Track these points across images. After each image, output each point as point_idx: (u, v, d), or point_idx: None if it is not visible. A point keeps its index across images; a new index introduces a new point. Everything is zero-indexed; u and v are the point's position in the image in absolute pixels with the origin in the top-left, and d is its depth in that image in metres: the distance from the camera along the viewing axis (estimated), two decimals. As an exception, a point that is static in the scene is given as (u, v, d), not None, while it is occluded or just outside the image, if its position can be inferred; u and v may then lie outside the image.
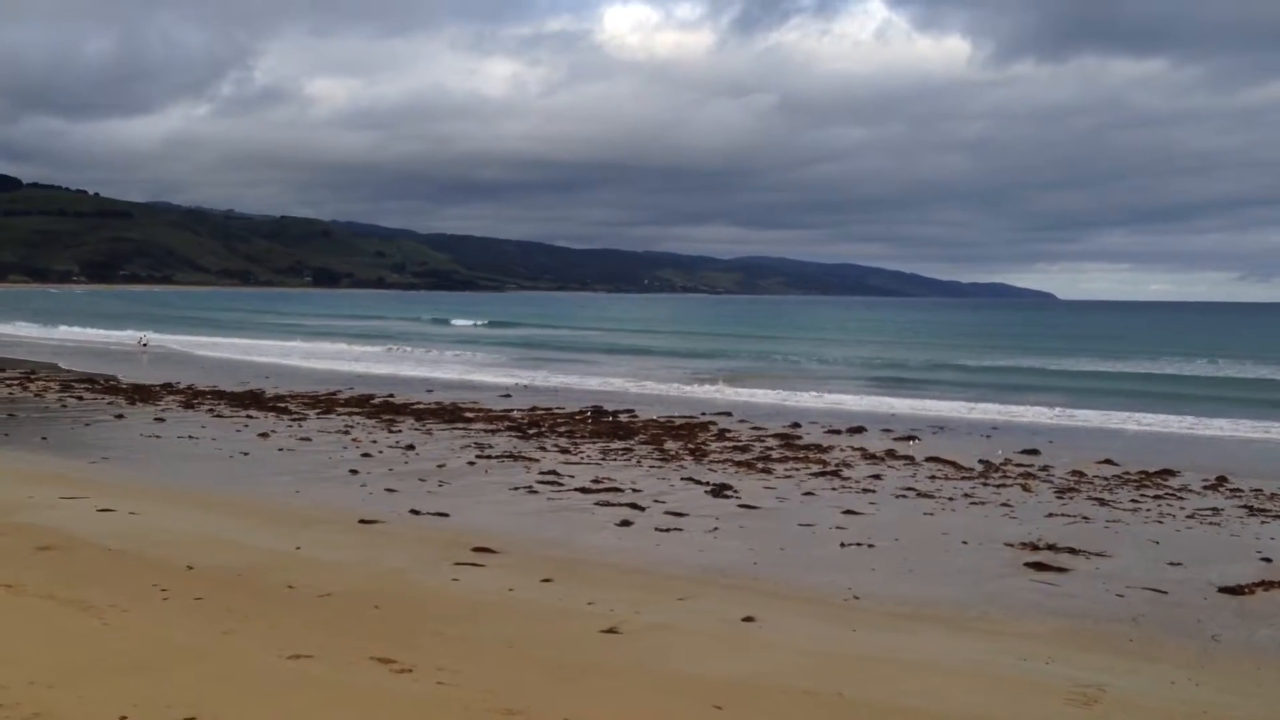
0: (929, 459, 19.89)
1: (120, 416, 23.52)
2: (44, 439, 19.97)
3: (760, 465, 19.01)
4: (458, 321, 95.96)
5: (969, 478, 18.11)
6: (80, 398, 26.83)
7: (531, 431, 22.83)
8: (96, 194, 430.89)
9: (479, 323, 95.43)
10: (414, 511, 14.23)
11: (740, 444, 21.63)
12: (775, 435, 23.01)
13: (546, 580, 10.73)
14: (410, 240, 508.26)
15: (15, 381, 30.23)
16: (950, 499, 16.16)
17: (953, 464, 19.32)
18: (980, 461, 19.65)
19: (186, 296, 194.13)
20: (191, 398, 27.52)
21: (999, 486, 17.29)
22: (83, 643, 7.83)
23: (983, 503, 15.95)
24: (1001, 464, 19.60)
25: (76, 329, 65.18)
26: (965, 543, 13.28)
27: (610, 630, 9.00)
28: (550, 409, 27.04)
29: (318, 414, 25.02)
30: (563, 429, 23.35)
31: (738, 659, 8.39)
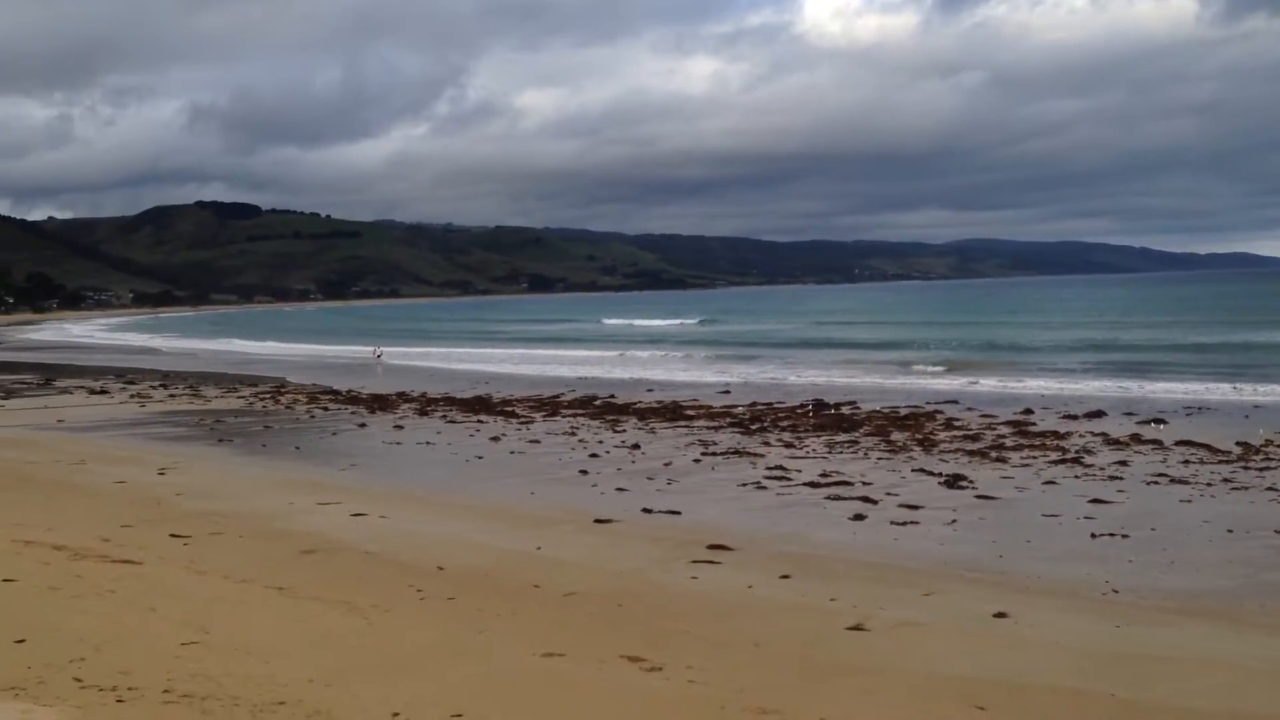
0: (1179, 443, 18.71)
1: (363, 425, 24.77)
2: (297, 448, 21.21)
3: (994, 454, 18.32)
4: (668, 321, 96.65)
5: (1227, 461, 16.91)
6: (326, 408, 28.41)
7: (754, 427, 22.75)
8: (328, 216, 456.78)
9: (691, 321, 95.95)
10: (646, 510, 14.37)
11: (970, 433, 20.93)
12: (1006, 423, 22.16)
13: (785, 577, 10.62)
14: (619, 243, 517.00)
15: (268, 395, 32.31)
16: (1208, 484, 15.13)
17: (1207, 447, 18.10)
18: (1238, 444, 18.32)
19: (412, 308, 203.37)
20: (425, 405, 28.71)
21: (1262, 470, 16.08)
22: (351, 642, 8.23)
23: (1245, 488, 14.86)
24: (1262, 445, 18.23)
25: (313, 345, 69.09)
26: (1230, 531, 12.39)
27: (856, 627, 8.82)
28: (770, 404, 26.89)
29: (544, 416, 25.67)
30: (785, 423, 23.18)
31: (995, 657, 8.06)
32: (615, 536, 12.80)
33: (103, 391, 34.48)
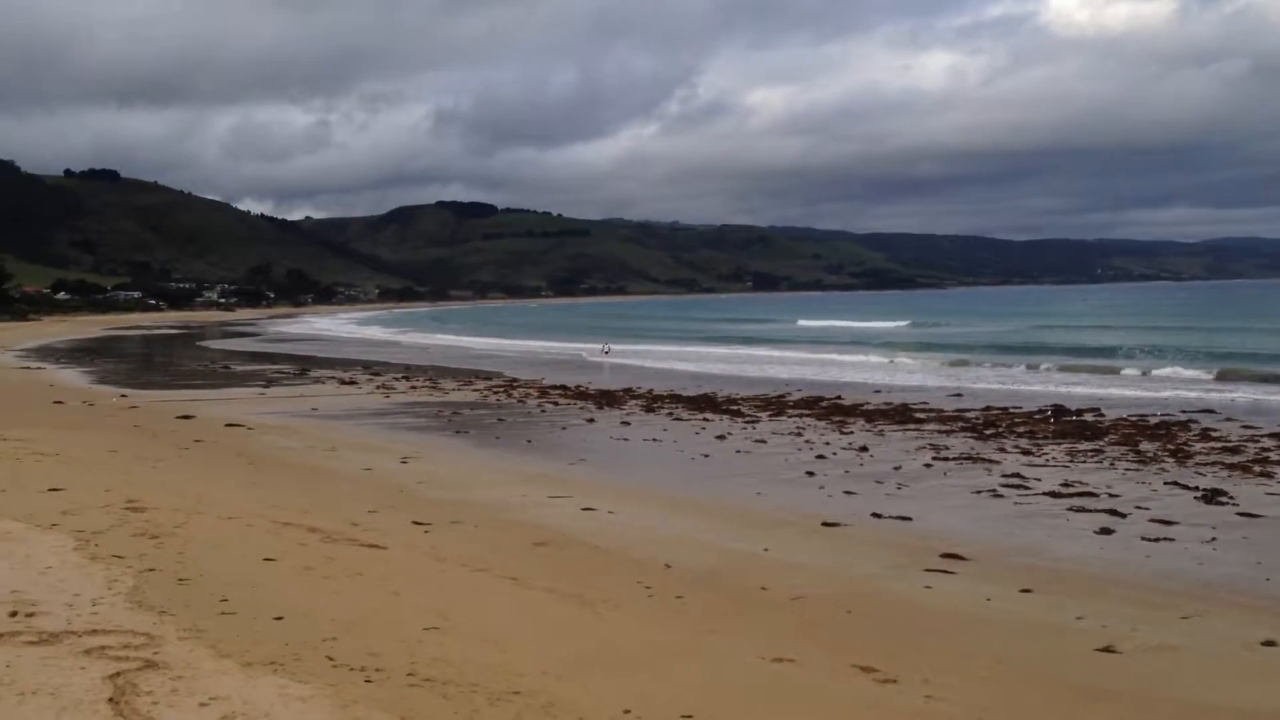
0: None
1: (591, 421, 25.26)
2: (529, 441, 21.83)
3: (1257, 468, 16.99)
4: (884, 323, 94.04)
5: None
6: (556, 403, 29.15)
7: (988, 432, 21.91)
8: (560, 214, 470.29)
9: (903, 323, 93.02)
10: (875, 515, 14.03)
11: (1230, 445, 19.48)
12: (1272, 435, 20.51)
13: (1025, 591, 10.14)
14: (845, 241, 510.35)
15: (501, 389, 33.45)
16: None
17: None
18: None
19: (637, 306, 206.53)
20: (651, 402, 29.03)
21: None
22: (583, 636, 8.34)
23: None
24: None
25: (543, 342, 71.06)
26: None
27: (1106, 649, 8.30)
28: (1005, 409, 25.85)
29: (769, 416, 25.51)
30: (1021, 429, 22.22)
31: (1263, 688, 7.43)
32: (844, 540, 12.55)
33: (351, 382, 36.50)
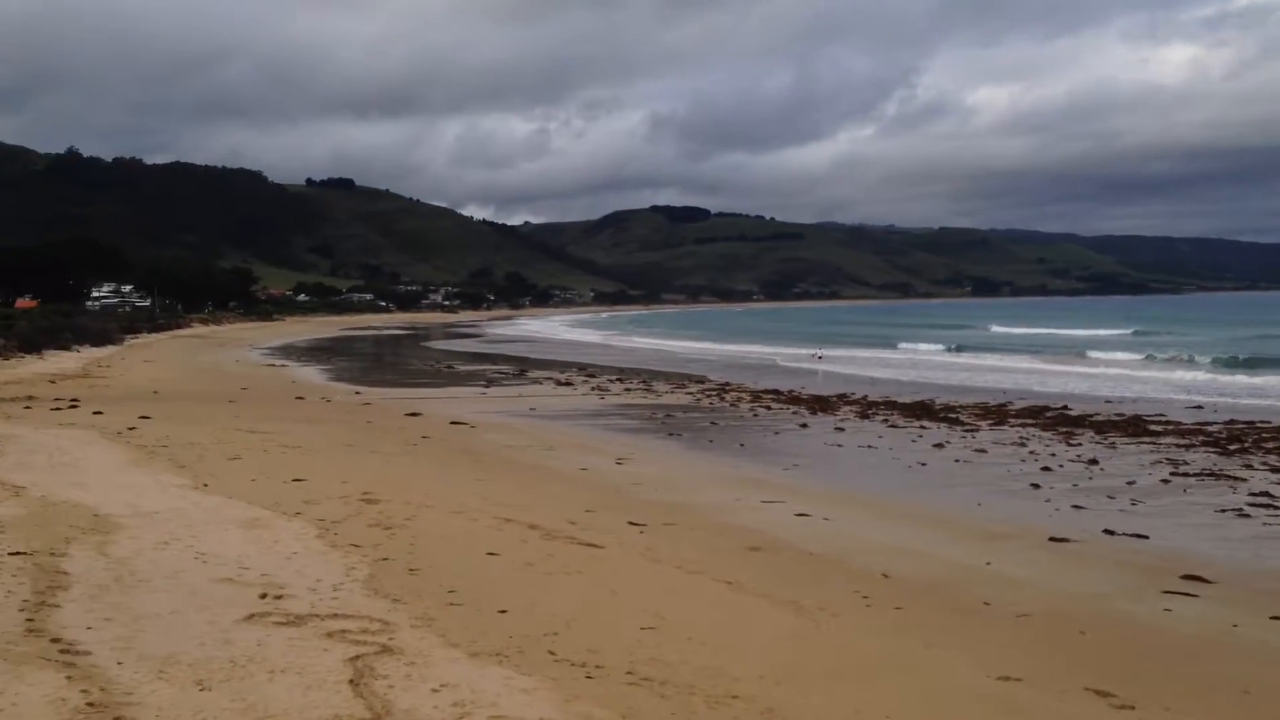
0: None
1: (804, 426, 25.04)
2: (741, 445, 21.82)
3: None
4: (1109, 331, 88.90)
5: None
6: (768, 408, 29.04)
7: (1233, 448, 20.51)
8: (772, 218, 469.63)
9: (1125, 331, 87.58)
10: (1108, 531, 13.34)
11: None
12: None
13: (1276, 618, 9.43)
14: (1072, 244, 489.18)
15: (714, 392, 33.60)
16: None
17: None
18: None
19: (849, 310, 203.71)
20: (866, 408, 28.55)
21: None
22: (799, 643, 8.26)
23: None
24: None
25: (753, 346, 70.95)
26: None
27: (1372, 687, 7.63)
28: (1252, 422, 24.15)
29: (990, 425, 24.67)
30: (1270, 445, 20.70)
31: None
32: (1073, 557, 11.99)
33: (567, 384, 37.41)
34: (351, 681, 6.56)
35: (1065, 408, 27.87)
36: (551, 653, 7.49)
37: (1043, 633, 8.92)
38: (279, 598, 8.48)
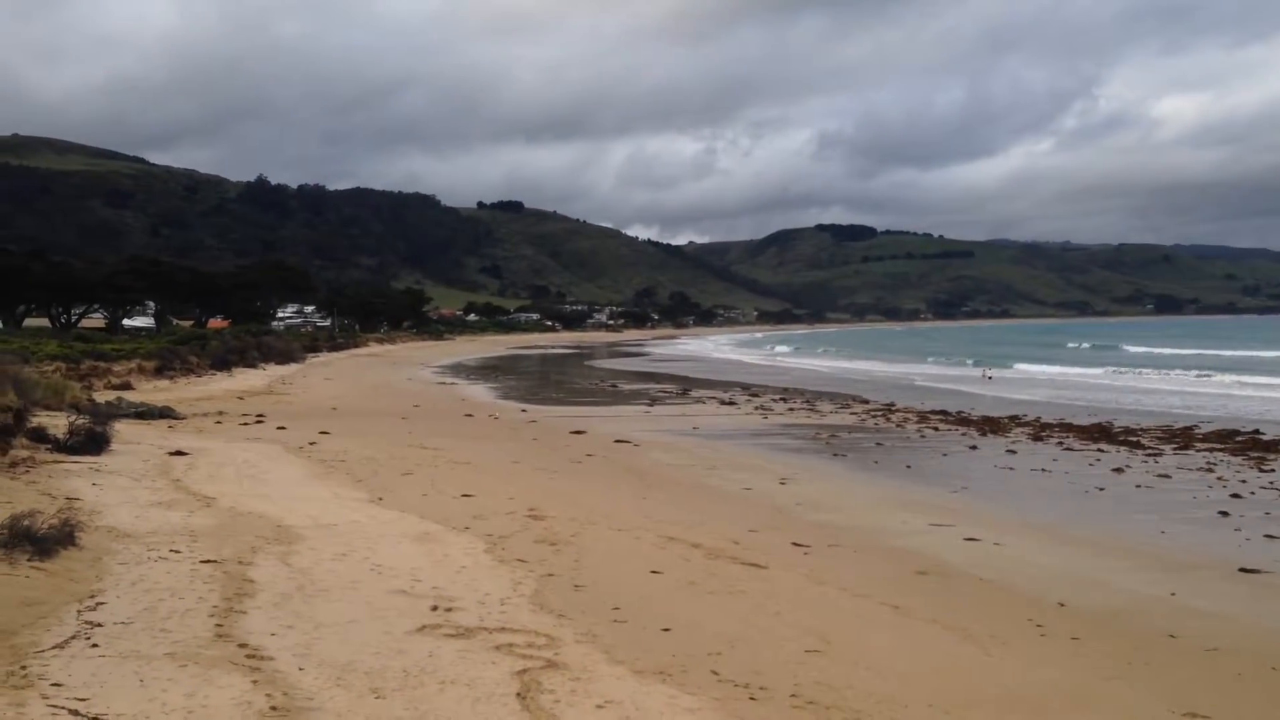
0: None
1: (974, 448, 24.35)
2: (908, 467, 21.36)
3: None
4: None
5: None
6: (936, 429, 28.37)
7: None
8: (940, 236, 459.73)
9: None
10: (1305, 564, 12.54)
11: None
12: None
13: None
14: (1265, 260, 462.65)
15: (879, 412, 33.02)
16: None
17: None
18: None
19: (1023, 329, 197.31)
20: (1039, 430, 27.60)
21: None
22: (969, 673, 8.03)
23: None
24: None
25: (918, 365, 69.49)
26: None
27: None
28: None
29: (1174, 449, 23.51)
30: None
31: None
32: (1267, 590, 11.31)
33: (730, 403, 37.36)
34: (519, 695, 6.68)
35: (1257, 432, 26.34)
36: (715, 673, 7.47)
37: (1235, 669, 8.44)
38: (449, 610, 8.70)
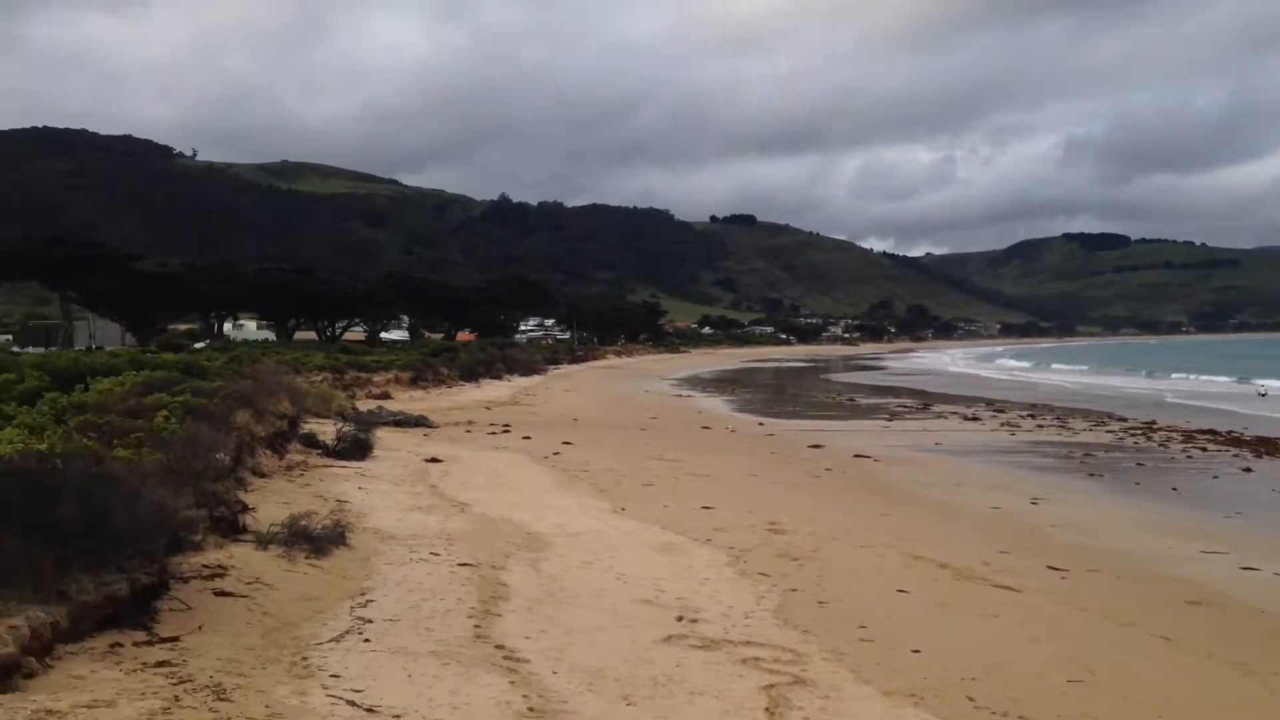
0: None
1: (1248, 470, 22.61)
2: (1174, 489, 20.03)
3: None
4: None
5: None
6: (1204, 449, 26.51)
7: None
8: (1203, 244, 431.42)
9: None
10: None
11: None
12: None
13: None
14: None
15: (1139, 431, 31.15)
16: None
17: None
18: None
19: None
20: (1322, 452, 25.36)
21: None
22: (1252, 712, 7.44)
23: None
24: None
25: (1182, 383, 65.26)
26: None
27: None
28: None
29: None
30: None
31: None
32: None
33: (974, 418, 36.11)
34: (767, 710, 6.63)
35: None
36: (970, 698, 7.20)
37: None
38: (694, 621, 8.75)
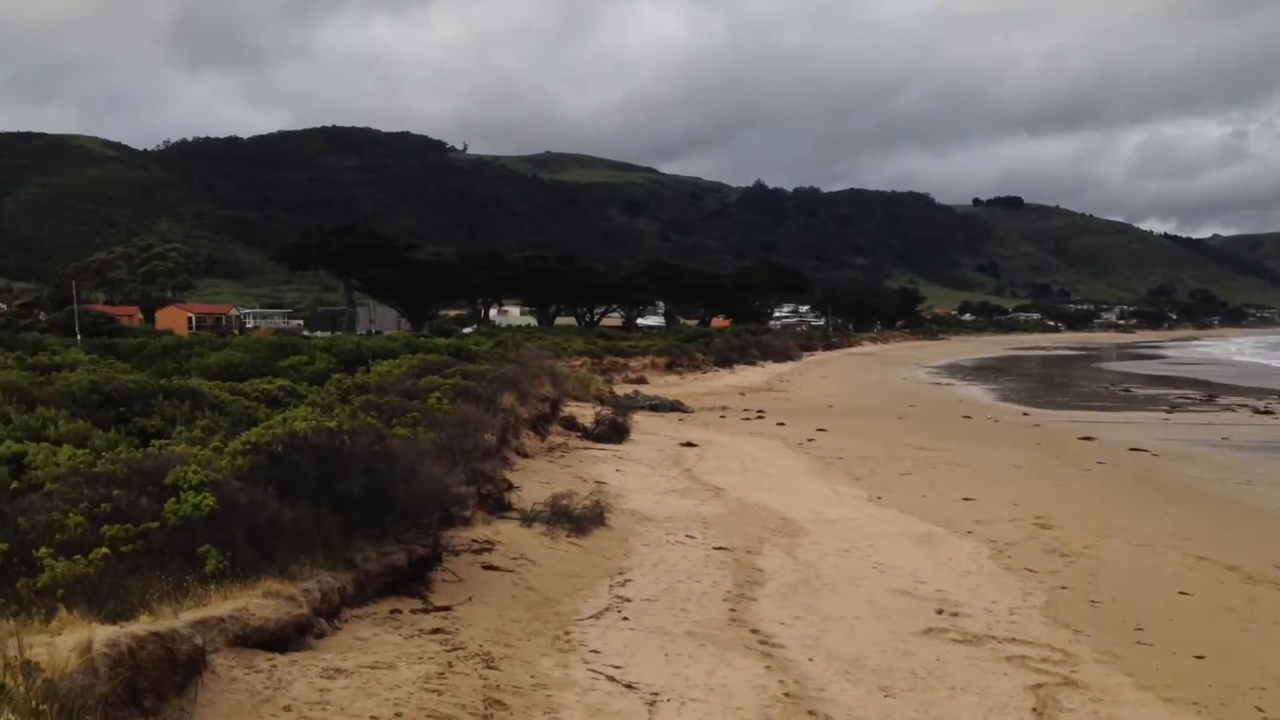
0: None
1: None
2: None
3: None
4: None
5: None
6: None
7: None
8: None
9: None
10: None
11: None
12: None
13: None
14: None
15: None
16: None
17: None
18: None
19: None
20: None
21: None
22: None
23: None
24: None
25: None
26: None
27: None
28: None
29: None
30: None
31: None
32: None
33: (1266, 411, 33.34)
34: (1035, 710, 6.35)
35: None
36: (1260, 709, 6.67)
37: None
38: (955, 615, 8.49)
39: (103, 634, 4.73)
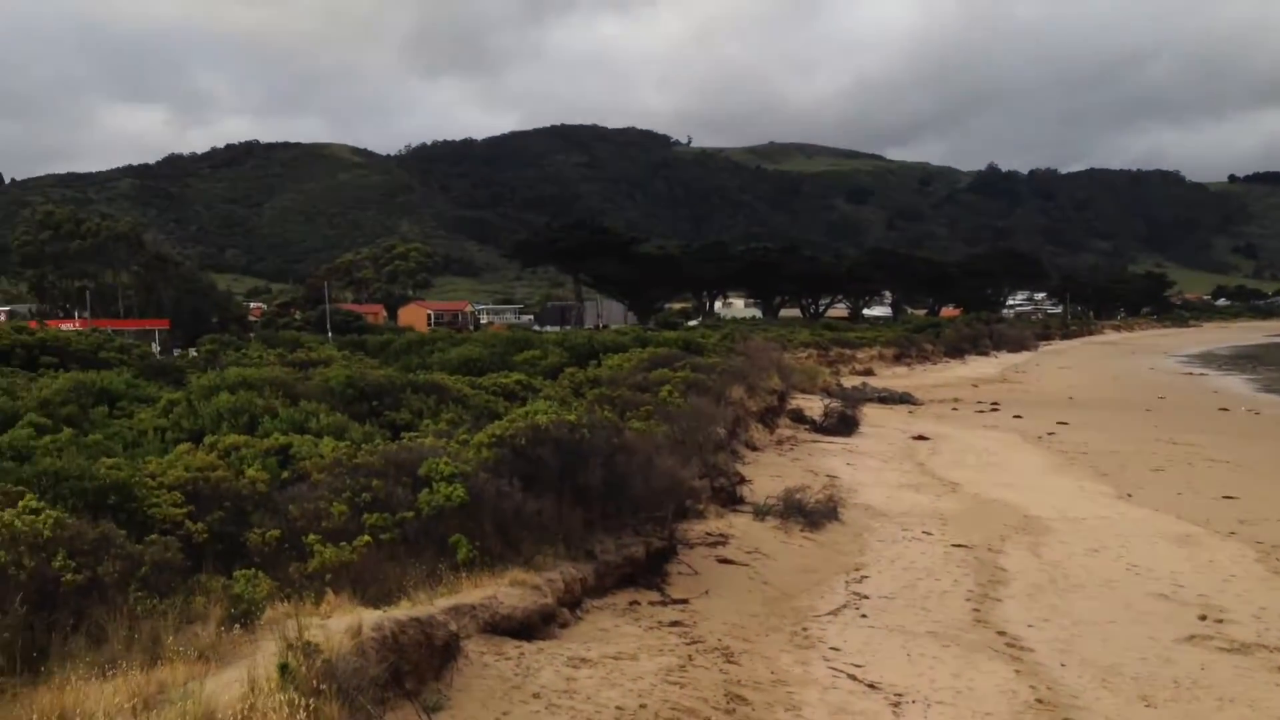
0: None
1: None
2: None
3: None
4: None
5: None
6: None
7: None
8: None
9: None
10: None
11: None
12: None
13: None
14: None
15: None
16: None
17: None
18: None
19: None
20: None
21: None
22: None
23: None
24: None
25: None
26: None
27: None
28: None
29: None
30: None
31: None
32: None
33: None
34: (1318, 729, 5.87)
35: None
36: None
37: None
38: (1219, 621, 7.95)
39: (369, 618, 5.00)
